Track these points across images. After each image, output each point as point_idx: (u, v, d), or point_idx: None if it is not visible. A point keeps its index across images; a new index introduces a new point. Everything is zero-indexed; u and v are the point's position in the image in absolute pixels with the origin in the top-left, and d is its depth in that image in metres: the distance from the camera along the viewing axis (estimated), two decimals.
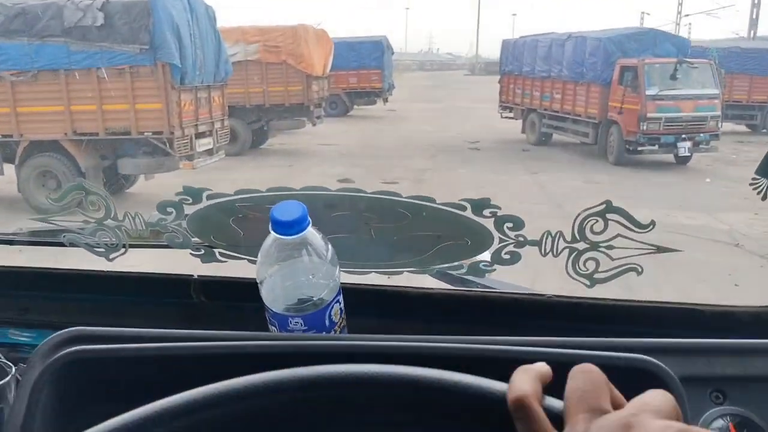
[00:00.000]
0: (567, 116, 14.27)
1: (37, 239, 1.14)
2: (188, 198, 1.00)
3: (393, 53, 23.04)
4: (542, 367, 0.53)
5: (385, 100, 21.76)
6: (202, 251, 1.05)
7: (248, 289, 1.05)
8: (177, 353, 0.72)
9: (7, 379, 0.85)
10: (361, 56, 20.85)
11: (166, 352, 0.72)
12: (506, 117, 16.98)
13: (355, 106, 21.96)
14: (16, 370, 0.87)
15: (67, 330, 0.80)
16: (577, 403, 0.47)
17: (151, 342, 0.77)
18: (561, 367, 0.71)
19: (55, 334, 0.80)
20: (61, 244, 1.09)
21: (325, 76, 15.37)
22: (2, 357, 0.92)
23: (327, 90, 16.07)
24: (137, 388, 0.64)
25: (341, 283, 0.94)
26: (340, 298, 0.92)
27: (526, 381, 0.51)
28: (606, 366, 0.71)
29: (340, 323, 0.93)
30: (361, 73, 21.09)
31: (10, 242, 1.15)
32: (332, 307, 0.90)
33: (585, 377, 0.49)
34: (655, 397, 0.47)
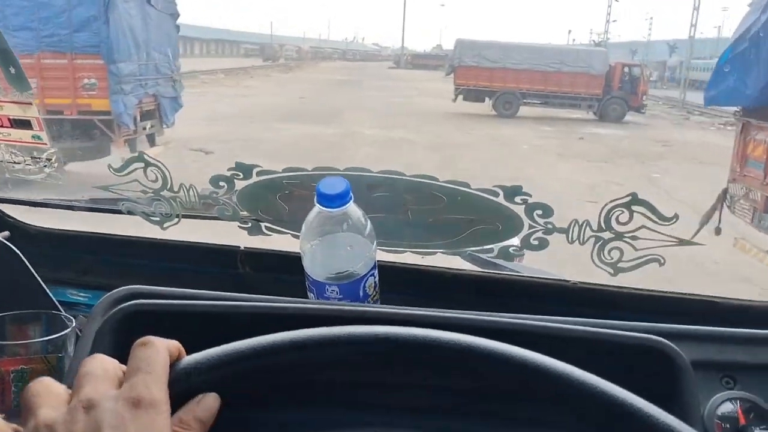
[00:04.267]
0: None
1: (96, 206, 1.22)
2: (239, 173, 1.08)
3: (177, 23, 9.72)
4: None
5: (150, 141, 8.93)
6: (250, 224, 1.13)
7: (291, 261, 1.12)
8: (226, 311, 0.80)
9: (68, 331, 0.93)
10: (48, 17, 7.72)
11: (216, 310, 0.79)
12: None
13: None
14: (76, 324, 0.96)
15: (125, 287, 0.88)
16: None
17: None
18: (581, 342, 0.77)
19: (113, 291, 0.88)
20: (119, 212, 1.17)
21: None
22: (63, 312, 1.01)
23: None
24: (188, 342, 0.71)
25: (378, 261, 1.00)
26: (375, 272, 0.99)
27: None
28: (621, 344, 0.77)
29: (374, 296, 1.00)
30: (48, 66, 7.85)
31: (71, 207, 1.24)
32: (367, 280, 0.97)
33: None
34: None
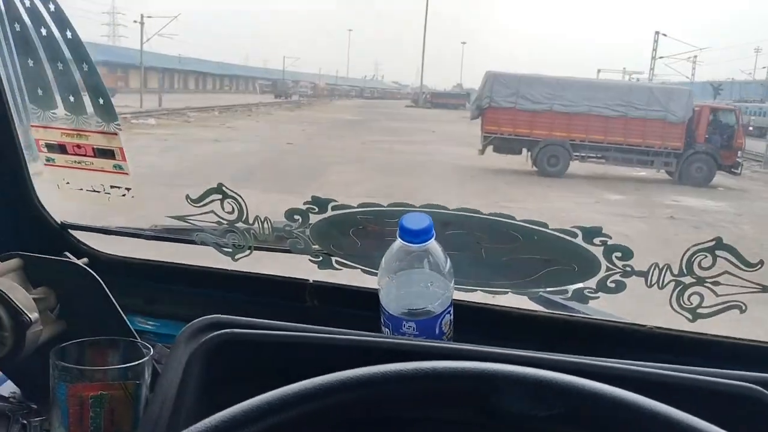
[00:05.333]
0: None
1: (169, 236, 1.24)
2: (315, 207, 1.09)
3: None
4: None
5: None
6: (321, 258, 1.13)
7: (359, 296, 1.12)
8: (316, 342, 0.80)
9: (146, 358, 0.94)
10: None
11: (306, 341, 0.79)
12: None
13: None
14: (153, 352, 0.97)
15: (207, 317, 0.88)
16: None
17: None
18: (672, 389, 0.75)
19: (197, 320, 0.88)
20: (191, 242, 1.19)
21: None
22: (139, 339, 1.02)
23: None
24: (277, 371, 0.71)
25: None
26: (451, 310, 0.98)
27: None
28: (712, 391, 0.75)
29: (449, 334, 0.99)
30: None
31: (143, 236, 1.26)
32: (443, 317, 0.96)
33: None
34: None
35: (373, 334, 0.91)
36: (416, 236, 0.90)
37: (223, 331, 0.79)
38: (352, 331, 0.89)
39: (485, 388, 0.61)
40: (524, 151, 14.24)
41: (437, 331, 0.96)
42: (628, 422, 0.58)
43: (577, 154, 14.30)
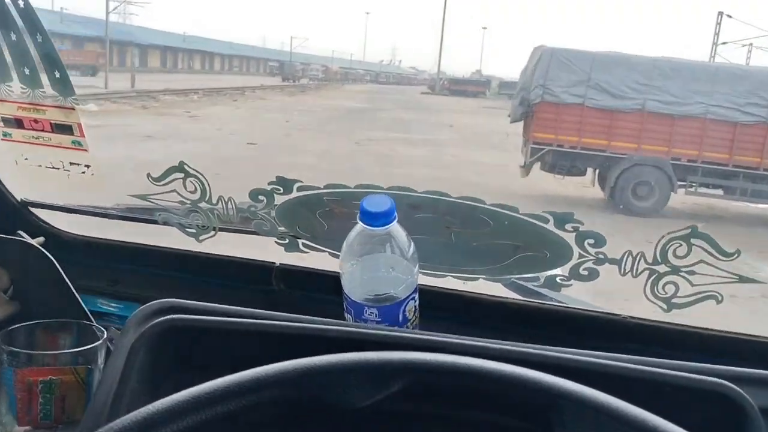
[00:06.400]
0: None
1: (131, 215, 1.20)
2: (280, 188, 1.05)
3: None
4: None
5: None
6: (287, 240, 1.10)
7: (326, 280, 1.09)
8: (265, 330, 0.76)
9: (99, 342, 0.90)
10: None
11: (255, 329, 0.76)
12: None
13: None
14: (107, 335, 0.93)
15: (160, 301, 0.85)
16: None
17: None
18: (639, 383, 0.72)
19: (149, 304, 0.85)
20: (154, 222, 1.15)
21: None
22: (94, 322, 0.99)
23: None
24: (224, 360, 0.68)
25: (418, 284, 0.96)
26: (416, 296, 0.95)
27: None
28: (684, 387, 0.72)
29: (413, 321, 0.96)
30: None
31: (106, 215, 1.23)
32: (407, 303, 0.93)
33: None
34: None
35: (331, 321, 0.88)
36: (377, 219, 0.87)
37: (168, 317, 0.76)
38: (310, 318, 0.86)
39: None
40: (589, 170, 9.46)
41: (401, 318, 0.93)
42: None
43: (683, 181, 9.14)
